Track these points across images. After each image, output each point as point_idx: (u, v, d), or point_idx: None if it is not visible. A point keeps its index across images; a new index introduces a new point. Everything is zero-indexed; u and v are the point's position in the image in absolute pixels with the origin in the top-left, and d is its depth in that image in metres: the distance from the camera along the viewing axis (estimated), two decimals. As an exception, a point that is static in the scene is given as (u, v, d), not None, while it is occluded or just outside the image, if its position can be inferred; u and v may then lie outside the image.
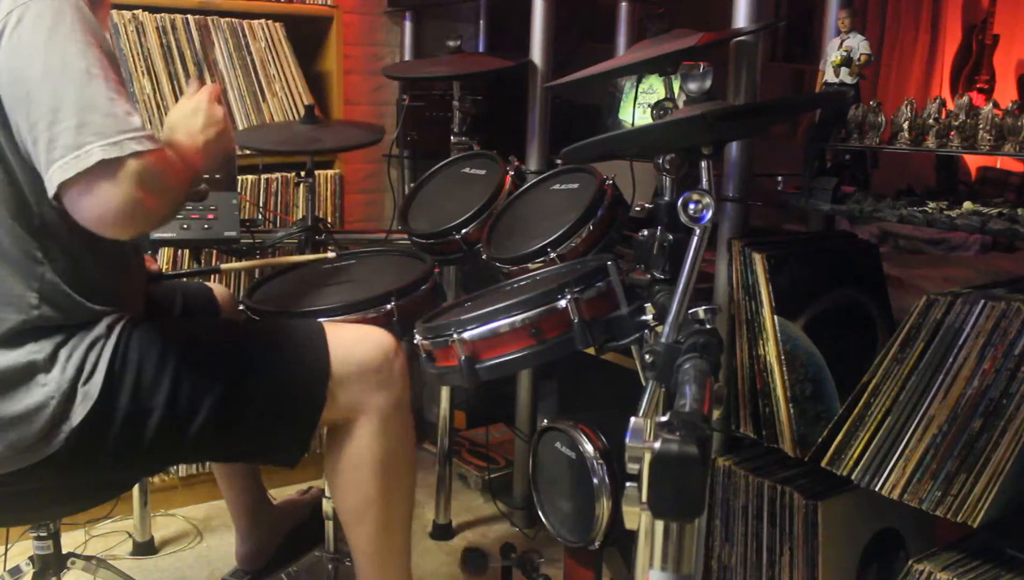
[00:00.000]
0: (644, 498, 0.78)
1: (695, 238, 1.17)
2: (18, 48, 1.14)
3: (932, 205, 1.48)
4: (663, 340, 1.10)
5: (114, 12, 2.30)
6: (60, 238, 1.25)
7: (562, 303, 1.37)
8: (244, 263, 2.03)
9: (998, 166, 3.91)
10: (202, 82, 1.43)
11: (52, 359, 1.27)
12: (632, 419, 0.82)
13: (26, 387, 1.25)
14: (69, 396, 1.26)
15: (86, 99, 1.12)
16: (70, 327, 1.29)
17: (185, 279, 2.01)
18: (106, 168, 1.11)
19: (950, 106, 1.44)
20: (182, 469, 2.40)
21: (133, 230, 1.15)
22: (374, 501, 1.47)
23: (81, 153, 1.10)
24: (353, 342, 1.44)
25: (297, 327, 1.48)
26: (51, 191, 1.12)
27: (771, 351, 1.55)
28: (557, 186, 1.85)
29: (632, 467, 0.80)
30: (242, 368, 1.38)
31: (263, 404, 1.38)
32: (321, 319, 1.59)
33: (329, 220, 2.51)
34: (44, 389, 1.26)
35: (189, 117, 1.36)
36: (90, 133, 1.11)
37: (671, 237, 1.50)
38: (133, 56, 2.31)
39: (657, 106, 1.57)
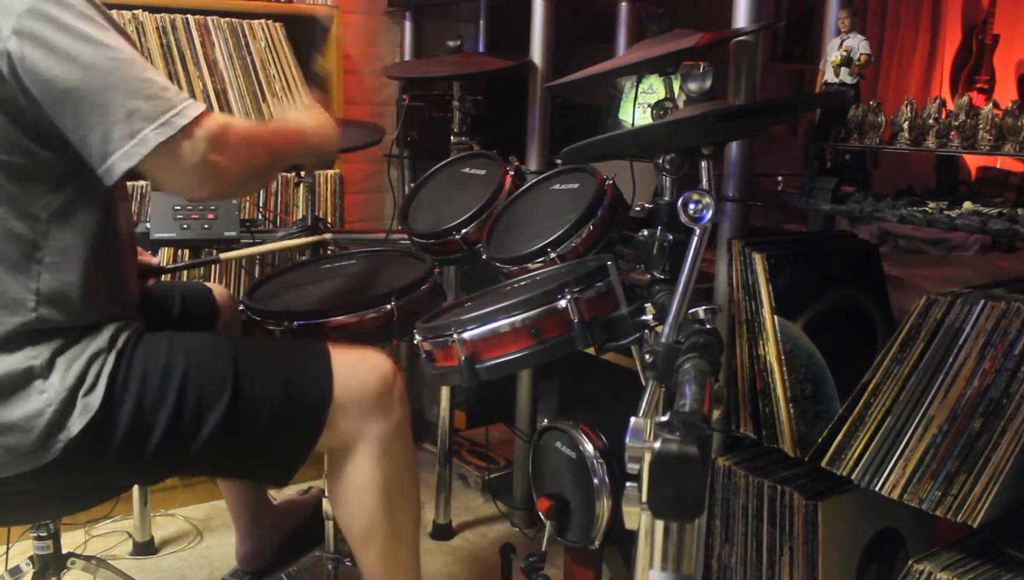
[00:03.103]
0: (644, 498, 0.78)
1: (695, 238, 1.17)
2: (45, 48, 1.15)
3: (932, 205, 1.48)
4: (663, 340, 1.10)
5: (114, 12, 2.29)
6: (57, 240, 1.25)
7: (562, 303, 1.37)
8: (244, 251, 2.01)
9: (998, 166, 3.91)
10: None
11: (50, 366, 1.26)
12: (632, 419, 0.82)
13: (24, 393, 1.25)
14: (68, 405, 1.25)
15: (125, 86, 1.17)
16: (68, 331, 1.28)
17: (185, 278, 2.01)
18: (166, 148, 1.18)
19: (950, 106, 1.44)
20: (182, 469, 2.40)
21: (212, 191, 1.27)
22: (380, 525, 1.47)
23: (137, 140, 1.17)
24: (354, 366, 1.43)
25: (303, 349, 1.47)
26: (112, 179, 1.19)
27: (771, 351, 1.55)
28: (557, 186, 1.84)
29: (632, 467, 0.80)
30: (247, 389, 1.37)
31: (265, 427, 1.38)
32: (321, 320, 1.60)
33: (329, 220, 2.51)
34: (42, 396, 1.25)
35: (306, 109, 1.49)
36: (140, 120, 1.17)
37: (671, 237, 1.50)
38: (133, 56, 2.30)
39: (657, 106, 1.57)
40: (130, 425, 1.28)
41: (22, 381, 1.25)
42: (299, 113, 1.49)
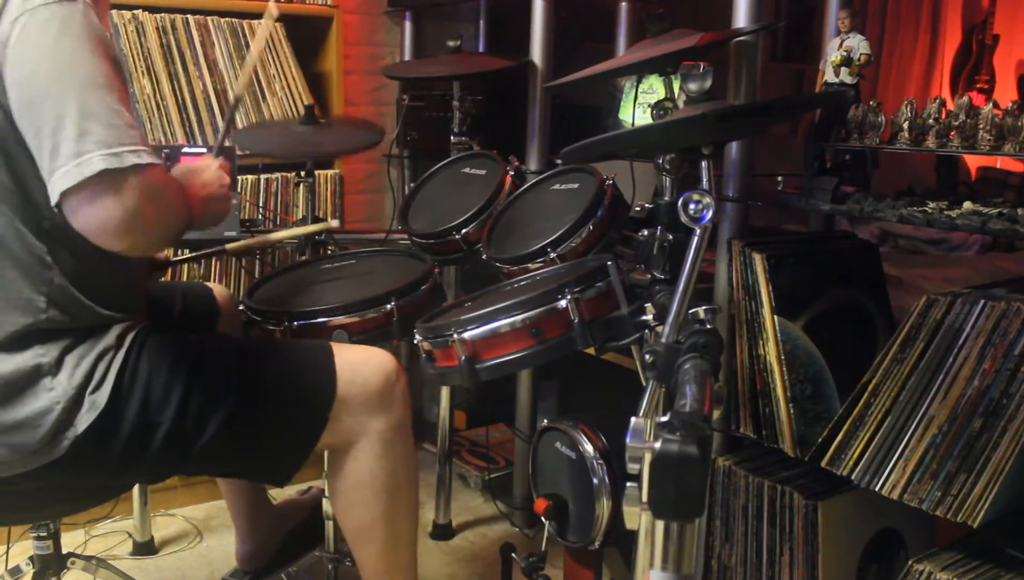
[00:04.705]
0: (644, 498, 0.78)
1: (695, 238, 1.17)
2: (24, 55, 1.14)
3: (932, 205, 1.48)
4: (663, 340, 1.10)
5: (114, 12, 2.30)
6: (68, 241, 1.25)
7: (562, 303, 1.37)
8: (251, 241, 1.98)
9: (998, 166, 3.90)
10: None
11: (59, 364, 1.27)
12: (632, 419, 0.82)
13: (32, 391, 1.25)
14: (75, 402, 1.26)
15: (88, 108, 1.13)
16: (76, 331, 1.29)
17: (185, 278, 2.01)
18: (108, 178, 1.12)
19: (950, 106, 1.44)
20: (182, 469, 2.39)
21: (130, 242, 1.16)
22: (378, 522, 1.47)
23: (83, 161, 1.11)
24: (357, 365, 1.44)
25: (306, 348, 1.48)
26: (53, 199, 1.13)
27: (771, 351, 1.55)
28: (557, 186, 1.84)
29: (632, 467, 0.80)
30: (251, 388, 1.37)
31: (269, 425, 1.38)
32: (321, 319, 1.60)
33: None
34: (50, 394, 1.26)
35: (198, 167, 1.40)
36: (91, 142, 1.12)
37: (671, 237, 1.50)
38: (133, 56, 2.31)
39: (657, 106, 1.57)
40: (135, 423, 1.29)
41: (31, 379, 1.25)
42: (195, 172, 1.39)
